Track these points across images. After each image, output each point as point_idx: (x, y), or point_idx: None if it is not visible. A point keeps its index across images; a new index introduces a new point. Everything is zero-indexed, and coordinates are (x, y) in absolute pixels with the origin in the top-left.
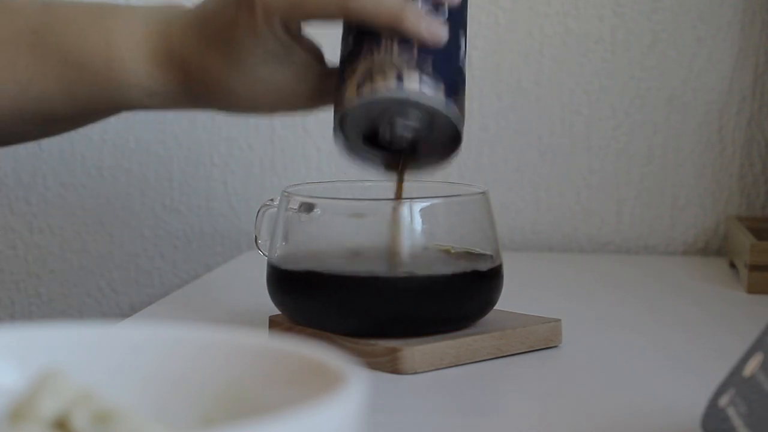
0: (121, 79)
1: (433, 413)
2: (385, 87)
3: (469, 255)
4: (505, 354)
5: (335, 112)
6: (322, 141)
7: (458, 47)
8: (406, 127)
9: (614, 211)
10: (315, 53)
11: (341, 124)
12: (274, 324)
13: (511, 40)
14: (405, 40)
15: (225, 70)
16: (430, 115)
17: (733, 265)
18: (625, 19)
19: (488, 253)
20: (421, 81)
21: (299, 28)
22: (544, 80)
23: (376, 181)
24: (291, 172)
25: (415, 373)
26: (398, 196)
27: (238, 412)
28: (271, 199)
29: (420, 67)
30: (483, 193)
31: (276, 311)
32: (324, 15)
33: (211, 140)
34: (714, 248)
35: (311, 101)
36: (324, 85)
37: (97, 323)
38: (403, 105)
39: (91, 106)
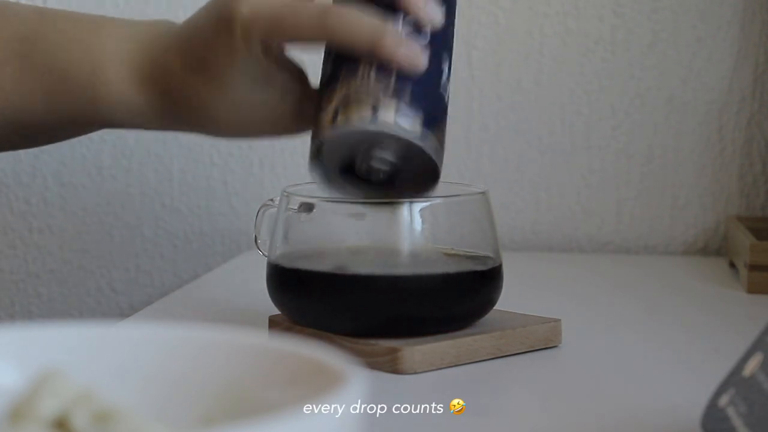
0: (104, 96)
1: (433, 413)
2: (359, 118)
3: (469, 255)
4: (505, 354)
5: (312, 140)
6: None
7: (440, 72)
8: (382, 158)
9: (614, 211)
10: (297, 75)
11: (317, 153)
12: (274, 324)
13: (511, 40)
14: (383, 67)
15: (205, 93)
16: (407, 147)
17: (733, 265)
18: (625, 19)
19: (488, 253)
20: (397, 112)
21: (280, 51)
22: (544, 80)
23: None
24: (291, 172)
25: (415, 373)
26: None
27: (238, 412)
28: (271, 199)
29: (397, 97)
30: (483, 193)
31: (276, 311)
32: (303, 37)
33: (211, 140)
34: (714, 248)
35: (295, 124)
36: (308, 107)
37: (97, 323)
38: (378, 137)
39: (73, 120)
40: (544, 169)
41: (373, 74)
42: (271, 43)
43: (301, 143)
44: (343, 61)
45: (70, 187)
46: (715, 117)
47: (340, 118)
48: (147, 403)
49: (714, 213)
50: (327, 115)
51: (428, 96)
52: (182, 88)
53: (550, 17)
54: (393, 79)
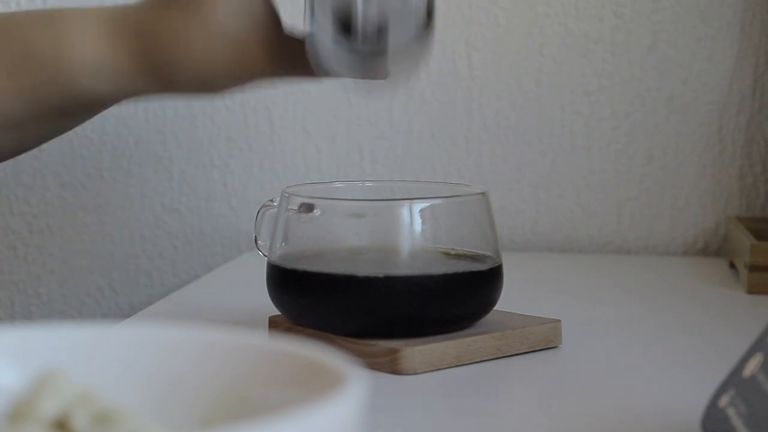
0: (71, 58)
1: (433, 413)
2: None
3: (470, 255)
4: (505, 354)
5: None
6: (322, 141)
7: None
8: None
9: (614, 212)
10: (274, 14)
11: (312, 10)
12: (274, 324)
13: (511, 40)
14: None
15: (183, 25)
16: None
17: (733, 266)
18: (625, 20)
19: (488, 253)
20: None
21: None
22: (544, 80)
23: (376, 181)
24: (291, 172)
25: (415, 373)
26: None
27: (238, 412)
28: (271, 200)
29: None
30: (483, 193)
31: (276, 311)
32: None
33: (211, 140)
34: (714, 249)
35: (267, 64)
36: (280, 49)
37: (97, 323)
38: None
39: (45, 99)
40: (544, 169)
41: None
42: None
43: (302, 144)
44: None
45: (70, 187)
46: (715, 118)
47: None
48: (147, 403)
49: (714, 213)
50: None
51: None
52: (156, 28)
53: (550, 17)
54: None
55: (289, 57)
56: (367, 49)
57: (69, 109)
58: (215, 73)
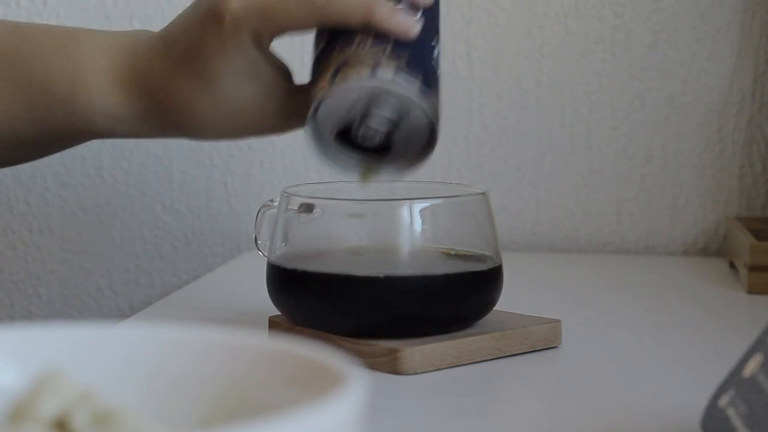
0: (85, 105)
1: (433, 414)
2: (358, 76)
3: (470, 255)
4: (505, 354)
5: (308, 107)
6: None
7: (431, 48)
8: (379, 121)
9: (614, 212)
10: (283, 70)
11: (313, 118)
12: (274, 324)
13: (511, 40)
14: (378, 36)
15: (192, 91)
16: (404, 107)
17: (733, 266)
18: (625, 20)
19: (488, 253)
20: (395, 72)
21: (269, 42)
22: (544, 80)
23: (376, 181)
24: (291, 173)
25: (415, 373)
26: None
27: (238, 412)
28: (271, 200)
29: (395, 59)
30: (483, 193)
31: (276, 311)
32: (297, 25)
33: (211, 141)
34: (714, 249)
35: (280, 121)
36: (293, 104)
37: (97, 323)
38: (377, 94)
39: (58, 133)
40: (544, 169)
41: (369, 41)
42: (262, 35)
43: (302, 144)
44: (338, 34)
45: (70, 187)
46: (715, 118)
47: (338, 77)
48: (147, 403)
49: (714, 213)
50: (324, 79)
51: (423, 63)
52: (168, 89)
53: (550, 17)
54: (390, 45)
55: (302, 110)
56: (365, 158)
57: (82, 139)
58: (229, 134)
